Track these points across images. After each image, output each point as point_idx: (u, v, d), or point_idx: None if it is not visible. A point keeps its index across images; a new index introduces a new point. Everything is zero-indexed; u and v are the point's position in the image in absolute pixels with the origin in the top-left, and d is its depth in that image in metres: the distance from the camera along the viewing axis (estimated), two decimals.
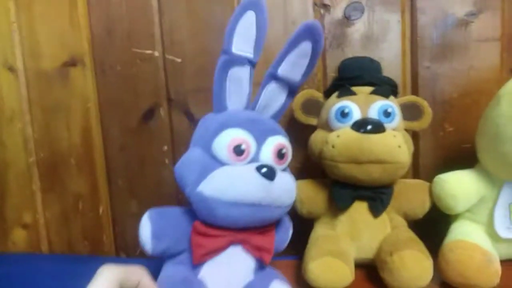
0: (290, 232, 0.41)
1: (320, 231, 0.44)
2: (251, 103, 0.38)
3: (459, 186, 0.41)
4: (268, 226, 0.36)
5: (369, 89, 0.43)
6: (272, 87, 0.38)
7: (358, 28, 0.51)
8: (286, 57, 0.37)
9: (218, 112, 0.36)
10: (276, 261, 0.42)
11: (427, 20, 0.50)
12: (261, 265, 0.36)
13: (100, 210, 0.58)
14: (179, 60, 0.55)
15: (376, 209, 0.42)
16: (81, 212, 0.59)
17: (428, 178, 0.45)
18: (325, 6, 0.52)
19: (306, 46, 0.37)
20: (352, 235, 0.43)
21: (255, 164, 0.33)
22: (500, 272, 0.37)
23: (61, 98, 0.57)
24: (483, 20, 0.49)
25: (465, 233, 0.40)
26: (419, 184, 0.45)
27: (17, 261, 0.56)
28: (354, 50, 0.51)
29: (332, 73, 0.52)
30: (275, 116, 0.40)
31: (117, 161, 0.57)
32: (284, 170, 0.37)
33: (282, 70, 0.38)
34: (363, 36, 0.51)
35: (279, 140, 0.36)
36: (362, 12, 0.51)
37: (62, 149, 0.58)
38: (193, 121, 0.55)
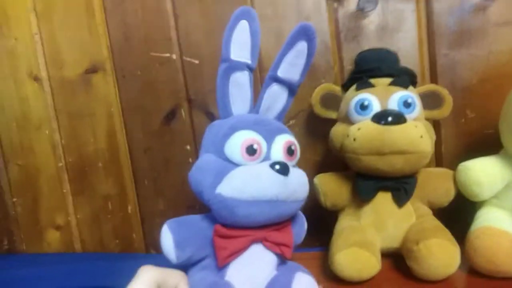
0: (305, 226, 0.42)
1: (344, 223, 0.44)
2: (254, 107, 0.39)
3: (483, 173, 0.41)
4: (285, 222, 0.37)
5: (388, 80, 0.43)
6: (273, 89, 0.39)
7: (372, 20, 0.51)
8: (284, 58, 0.38)
9: (225, 117, 0.37)
10: (301, 253, 0.43)
11: (443, 7, 0.49)
12: (282, 260, 0.37)
13: (129, 210, 0.60)
14: (196, 61, 0.56)
15: (400, 199, 0.42)
16: (111, 212, 0.61)
17: (451, 166, 0.45)
18: (338, 0, 0.52)
19: (301, 46, 0.38)
20: (376, 225, 0.43)
21: (269, 162, 0.34)
22: None
23: (85, 104, 0.59)
24: (501, 3, 0.48)
25: (492, 220, 0.39)
26: (443, 172, 0.45)
27: (52, 261, 0.58)
28: (369, 42, 0.51)
29: (348, 66, 0.52)
30: (278, 117, 0.41)
31: (143, 162, 0.59)
32: (294, 166, 0.38)
33: (281, 72, 0.39)
34: (378, 27, 0.51)
35: (287, 138, 0.37)
36: (376, 3, 0.51)
37: (89, 153, 0.60)
38: (213, 120, 0.56)
